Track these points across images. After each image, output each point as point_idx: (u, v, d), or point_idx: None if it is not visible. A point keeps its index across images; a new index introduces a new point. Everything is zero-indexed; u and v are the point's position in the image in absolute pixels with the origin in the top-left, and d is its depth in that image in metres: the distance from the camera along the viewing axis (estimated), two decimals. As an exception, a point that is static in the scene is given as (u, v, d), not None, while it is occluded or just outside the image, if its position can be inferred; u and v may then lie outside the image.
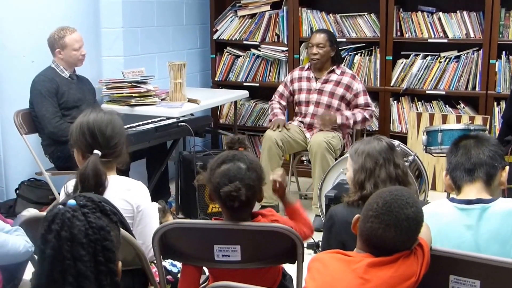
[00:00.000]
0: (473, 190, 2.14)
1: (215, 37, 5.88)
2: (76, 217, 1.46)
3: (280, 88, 4.95)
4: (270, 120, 4.86)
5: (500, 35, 4.99)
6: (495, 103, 5.08)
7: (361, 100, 4.70)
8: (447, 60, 5.21)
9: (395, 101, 5.39)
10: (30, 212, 2.72)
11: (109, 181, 2.32)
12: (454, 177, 2.20)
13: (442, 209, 2.15)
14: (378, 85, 5.38)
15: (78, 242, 1.44)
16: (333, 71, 4.76)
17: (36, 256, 2.41)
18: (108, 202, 1.74)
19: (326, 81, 4.75)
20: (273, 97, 5.00)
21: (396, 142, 2.41)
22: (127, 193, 2.37)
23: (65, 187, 2.40)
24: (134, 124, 3.97)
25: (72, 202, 1.50)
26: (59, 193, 3.29)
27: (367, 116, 4.69)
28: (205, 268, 2.48)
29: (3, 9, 4.33)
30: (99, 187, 2.22)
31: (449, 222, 2.11)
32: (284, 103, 4.92)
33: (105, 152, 2.38)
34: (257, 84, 5.79)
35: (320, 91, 4.74)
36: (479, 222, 2.06)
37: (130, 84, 4.51)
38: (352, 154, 2.41)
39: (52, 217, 1.47)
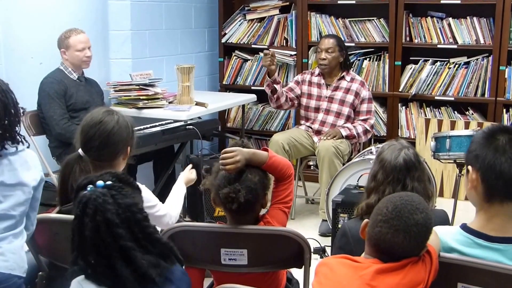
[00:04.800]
0: (500, 215, 1.90)
1: (223, 40, 5.88)
2: (106, 202, 1.64)
3: (291, 84, 4.91)
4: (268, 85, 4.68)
5: (510, 42, 4.95)
6: (504, 110, 5.04)
7: (364, 107, 4.69)
8: (457, 66, 5.19)
9: (404, 107, 5.37)
10: None
11: None
12: (487, 179, 1.88)
13: (454, 241, 1.97)
14: (387, 91, 5.36)
15: (113, 223, 1.63)
16: (343, 77, 4.74)
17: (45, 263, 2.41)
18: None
19: (336, 88, 4.73)
20: None
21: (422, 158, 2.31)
22: None
23: None
24: (141, 127, 3.97)
25: (100, 183, 1.67)
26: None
27: (368, 128, 4.67)
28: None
29: (12, 12, 4.34)
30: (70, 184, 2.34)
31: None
32: (290, 95, 4.82)
33: (91, 152, 2.39)
34: (265, 88, 5.78)
35: (330, 99, 4.72)
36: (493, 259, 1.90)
37: (138, 87, 4.51)
38: (376, 155, 2.35)
39: (85, 202, 1.64)
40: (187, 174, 3.01)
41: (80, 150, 2.41)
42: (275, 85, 4.63)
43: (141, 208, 1.71)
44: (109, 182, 1.69)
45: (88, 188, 1.67)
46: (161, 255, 1.71)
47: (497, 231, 1.91)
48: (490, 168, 1.87)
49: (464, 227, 1.97)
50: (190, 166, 3.09)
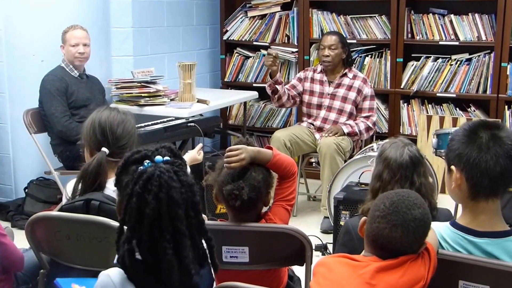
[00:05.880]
0: (487, 212, 1.89)
1: (225, 37, 5.88)
2: (171, 178, 1.55)
3: (293, 81, 4.89)
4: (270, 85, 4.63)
5: (512, 38, 4.95)
6: (506, 107, 5.04)
7: (366, 104, 4.68)
8: (458, 62, 5.18)
9: (405, 104, 5.36)
10: None
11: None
12: (473, 178, 1.85)
13: (444, 237, 1.96)
14: (388, 87, 5.35)
15: (176, 203, 1.54)
16: (345, 74, 4.73)
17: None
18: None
19: (338, 85, 4.72)
20: None
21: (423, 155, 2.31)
22: None
23: (66, 189, 2.41)
24: (143, 124, 3.97)
25: (158, 158, 1.59)
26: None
27: (370, 125, 4.66)
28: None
29: (13, 9, 4.34)
30: (98, 185, 2.26)
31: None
32: (293, 93, 4.81)
33: (113, 151, 2.38)
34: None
35: (332, 96, 4.72)
36: (483, 255, 1.91)
37: (139, 84, 4.51)
38: (378, 154, 2.33)
39: (147, 178, 1.54)
40: (194, 154, 2.97)
41: (105, 149, 2.38)
42: (276, 86, 4.62)
43: (198, 191, 1.61)
44: (167, 158, 1.60)
45: (146, 164, 1.58)
46: (201, 255, 1.62)
47: (484, 226, 1.90)
48: (475, 167, 1.84)
49: (453, 223, 1.96)
50: (200, 145, 3.05)
